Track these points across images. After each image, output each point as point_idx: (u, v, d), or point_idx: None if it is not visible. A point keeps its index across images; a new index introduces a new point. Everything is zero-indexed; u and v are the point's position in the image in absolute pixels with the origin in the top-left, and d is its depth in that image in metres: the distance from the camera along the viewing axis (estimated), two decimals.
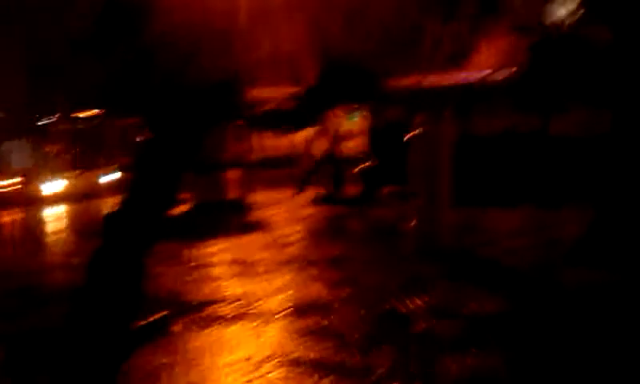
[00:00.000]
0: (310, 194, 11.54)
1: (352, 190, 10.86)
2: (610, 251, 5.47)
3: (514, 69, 8.21)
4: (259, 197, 11.36)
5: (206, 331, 4.31)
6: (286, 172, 13.16)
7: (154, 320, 4.46)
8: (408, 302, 4.71)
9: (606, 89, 5.44)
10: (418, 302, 4.71)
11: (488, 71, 9.71)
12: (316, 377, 3.43)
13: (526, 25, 6.96)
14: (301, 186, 11.20)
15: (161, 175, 4.11)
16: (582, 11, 6.89)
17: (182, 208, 10.33)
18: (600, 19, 5.93)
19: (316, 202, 10.68)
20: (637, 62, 5.01)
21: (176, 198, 4.38)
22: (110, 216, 4.17)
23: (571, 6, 7.12)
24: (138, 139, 10.44)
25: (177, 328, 4.38)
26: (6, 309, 5.30)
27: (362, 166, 11.04)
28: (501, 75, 9.05)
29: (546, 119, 10.02)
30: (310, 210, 9.96)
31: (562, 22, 7.24)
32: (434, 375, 3.39)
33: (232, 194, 10.97)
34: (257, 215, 9.80)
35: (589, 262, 5.50)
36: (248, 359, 3.76)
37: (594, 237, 5.77)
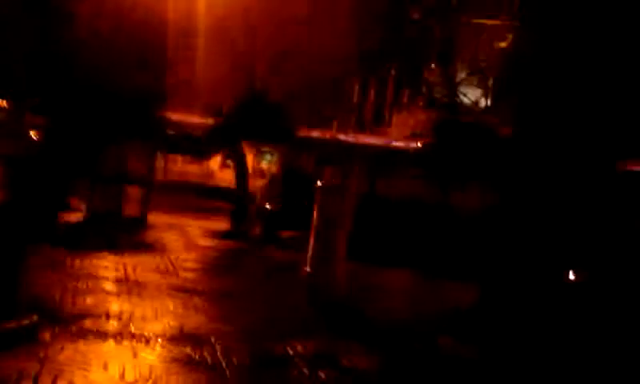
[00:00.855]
0: (213, 224, 11.46)
1: (253, 228, 10.89)
2: (485, 327, 5.79)
3: (423, 141, 8.64)
4: (158, 219, 11.13)
5: (79, 343, 4.15)
6: (189, 199, 13.01)
7: (23, 325, 4.26)
8: (288, 346, 4.76)
9: (500, 172, 5.85)
10: (298, 348, 4.76)
11: (400, 139, 10.16)
12: None
13: (440, 101, 7.39)
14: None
15: (51, 176, 4.00)
16: (486, 101, 7.43)
17: (75, 217, 9.96)
18: (502, 111, 6.41)
19: (215, 234, 10.62)
20: (530, 156, 5.42)
21: (64, 203, 4.26)
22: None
23: (479, 93, 7.65)
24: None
25: (47, 336, 4.20)
26: None
27: (266, 206, 11.14)
28: (411, 145, 9.48)
29: (446, 192, 10.55)
30: (207, 241, 9.88)
31: (472, 104, 7.75)
32: None
33: (130, 210, 10.68)
34: (153, 236, 9.60)
35: (464, 334, 5.78)
36: (120, 377, 3.66)
37: (473, 312, 6.09)
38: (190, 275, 7.04)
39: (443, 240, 9.84)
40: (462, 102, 7.34)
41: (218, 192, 13.90)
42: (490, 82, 7.33)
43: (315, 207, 6.72)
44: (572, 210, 4.76)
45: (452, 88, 6.86)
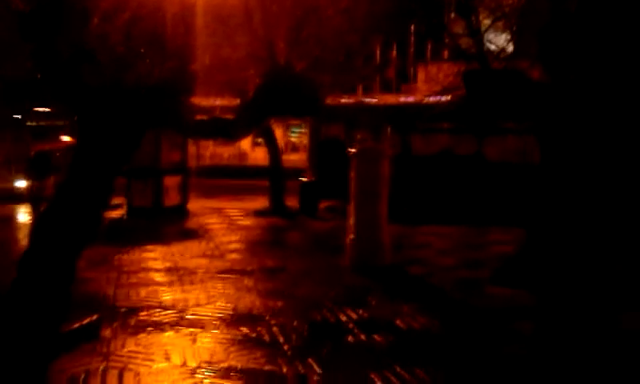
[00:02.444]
0: (252, 203, 11.55)
1: (292, 202, 10.94)
2: (534, 273, 5.74)
3: (453, 94, 8.50)
4: (197, 205, 11.27)
5: (139, 336, 4.26)
6: (225, 182, 13.12)
7: (85, 324, 4.38)
8: (341, 314, 4.81)
9: (536, 119, 5.73)
10: (351, 315, 4.81)
11: (429, 95, 10.02)
12: None
13: (466, 52, 7.24)
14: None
15: (92, 178, 4.05)
16: (513, 46, 7.25)
17: (117, 213, 10.16)
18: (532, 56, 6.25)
19: (255, 213, 10.70)
20: (566, 99, 5.29)
21: (108, 201, 4.32)
22: (40, 218, 4.09)
23: (505, 38, 7.46)
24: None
25: (108, 332, 4.32)
26: None
27: (302, 179, 11.16)
28: (441, 99, 9.34)
29: (480, 143, 10.42)
30: (248, 221, 9.97)
31: (500, 51, 7.57)
32: None
33: (169, 200, 10.83)
34: (194, 223, 9.72)
35: (514, 282, 5.76)
36: (182, 365, 3.76)
37: (520, 258, 6.05)
38: (236, 256, 7.13)
39: (483, 191, 9.76)
40: (489, 50, 7.17)
41: (252, 171, 13.99)
42: (516, 27, 7.15)
43: (351, 174, 6.71)
44: (615, 149, 4.65)
45: (477, 37, 6.70)
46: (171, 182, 10.75)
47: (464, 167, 10.24)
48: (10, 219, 8.67)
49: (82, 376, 3.55)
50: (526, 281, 5.65)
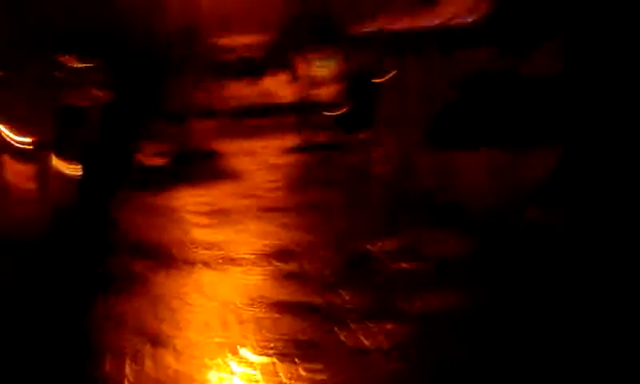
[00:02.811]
0: (283, 141, 11.56)
1: (325, 136, 10.89)
2: (574, 193, 5.64)
3: (482, 10, 8.23)
4: (231, 146, 11.32)
5: (181, 274, 4.40)
6: (254, 121, 13.10)
7: (127, 265, 4.54)
8: (380, 244, 4.83)
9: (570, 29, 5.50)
10: (390, 244, 4.83)
11: (456, 13, 9.71)
12: (285, 314, 3.57)
13: None
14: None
15: (126, 124, 4.12)
16: None
17: (154, 158, 10.28)
18: None
19: (286, 150, 10.70)
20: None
21: (142, 146, 4.39)
22: (80, 168, 4.20)
23: None
24: None
25: (150, 272, 4.45)
26: None
27: (335, 112, 11.07)
28: (468, 20, 9.06)
29: (516, 60, 10.09)
30: (283, 158, 9.99)
31: None
32: (397, 311, 3.54)
33: (203, 143, 10.92)
34: (229, 164, 9.80)
35: (553, 203, 5.66)
36: (221, 299, 3.87)
37: (559, 178, 5.93)
38: (270, 194, 7.19)
39: (518, 110, 9.52)
40: None
41: (280, 108, 13.90)
42: None
43: (381, 103, 6.64)
44: None
45: None
46: (204, 125, 10.82)
47: (499, 88, 9.97)
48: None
49: (125, 314, 3.69)
50: (562, 202, 5.56)
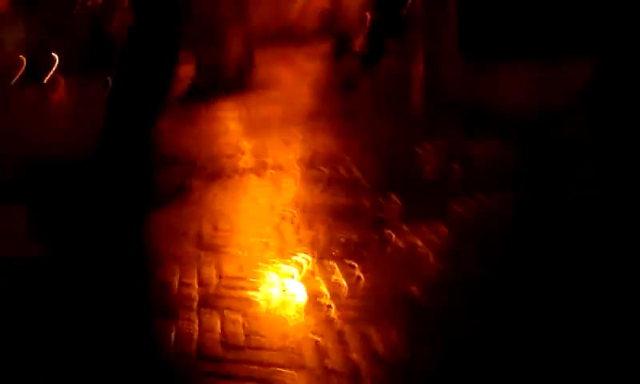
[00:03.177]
0: (318, 49, 11.39)
1: (359, 44, 10.69)
2: (612, 102, 5.52)
3: None
4: (266, 54, 11.21)
5: (225, 184, 4.49)
6: (292, 28, 12.88)
7: (172, 177, 4.63)
8: (419, 149, 4.86)
9: None
10: (427, 148, 4.85)
11: None
12: (334, 219, 3.65)
13: None
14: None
15: (158, 33, 4.06)
16: None
17: (186, 70, 10.26)
18: None
19: (322, 57, 10.57)
20: None
21: (177, 57, 4.36)
22: (113, 84, 4.20)
23: None
24: None
25: (196, 183, 4.55)
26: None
27: (368, 19, 10.81)
28: None
29: None
30: (316, 65, 9.89)
31: None
32: (445, 213, 3.59)
33: (235, 53, 10.82)
34: (263, 72, 9.74)
35: (590, 111, 5.56)
36: (269, 207, 3.96)
37: (597, 87, 5.79)
38: (308, 102, 7.18)
39: (558, 18, 9.18)
40: None
41: (315, 16, 13.61)
42: None
43: (418, 9, 6.46)
44: None
45: None
46: (236, 30, 10.66)
47: None
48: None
49: (180, 224, 3.81)
50: (602, 110, 5.46)
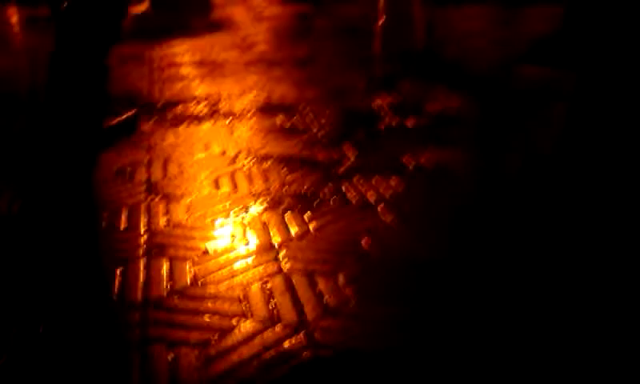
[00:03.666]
0: None
1: None
2: (572, 52, 5.58)
3: None
4: None
5: (177, 129, 4.39)
6: None
7: (123, 119, 4.49)
8: (373, 100, 4.84)
9: None
10: (384, 100, 4.84)
11: None
12: (287, 169, 3.62)
13: None
14: None
15: None
16: None
17: (140, 7, 9.93)
18: None
19: (281, 0, 10.37)
20: None
21: None
22: (63, 16, 4.01)
23: None
24: None
25: (147, 126, 4.44)
26: None
27: None
28: None
29: None
30: (274, 9, 9.69)
31: None
32: (397, 166, 3.60)
33: None
34: (219, 14, 9.50)
35: (550, 61, 5.63)
36: (222, 154, 3.91)
37: (558, 36, 5.85)
38: (264, 47, 7.05)
39: None
40: None
41: None
42: None
43: None
44: None
45: None
46: None
47: None
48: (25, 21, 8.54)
49: (129, 168, 3.73)
50: (562, 60, 5.52)
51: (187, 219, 3.06)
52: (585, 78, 3.96)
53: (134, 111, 4.63)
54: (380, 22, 6.43)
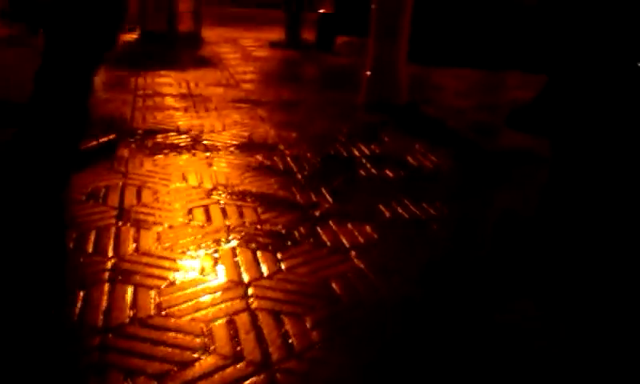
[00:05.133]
0: (264, 35, 11.31)
1: (309, 35, 10.69)
2: (552, 119, 5.69)
3: None
4: (210, 33, 11.04)
5: (156, 158, 4.36)
6: (239, 10, 12.75)
7: (102, 142, 4.45)
8: (354, 149, 4.87)
9: None
10: (364, 150, 4.87)
11: None
12: (263, 207, 3.59)
13: None
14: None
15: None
16: None
17: (130, 36, 9.99)
18: None
19: (270, 44, 10.50)
20: None
21: (122, 21, 4.19)
22: (50, 34, 4.00)
23: None
24: None
25: (125, 153, 4.41)
26: None
27: (320, 11, 10.80)
28: None
29: None
30: (263, 52, 9.80)
31: None
32: (374, 214, 3.60)
33: (183, 26, 10.62)
34: (208, 51, 9.58)
35: (530, 126, 5.73)
36: (199, 186, 3.87)
37: (538, 103, 5.98)
38: (250, 87, 7.10)
39: (505, 32, 9.44)
40: None
41: (267, 0, 13.53)
42: None
43: (372, 7, 6.48)
44: None
45: None
46: (185, 6, 10.46)
47: (487, 7, 9.82)
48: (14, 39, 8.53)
49: (102, 191, 3.67)
50: (542, 126, 5.63)
51: (157, 247, 3.00)
52: (559, 146, 4.03)
53: (113, 136, 4.59)
54: (366, 74, 6.52)
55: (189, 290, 2.64)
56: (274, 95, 6.68)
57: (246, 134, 5.10)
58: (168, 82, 6.98)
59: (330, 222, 3.44)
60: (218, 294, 2.63)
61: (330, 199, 3.79)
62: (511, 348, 2.39)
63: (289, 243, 3.15)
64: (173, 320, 2.41)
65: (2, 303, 2.42)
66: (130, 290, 2.60)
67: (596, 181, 3.46)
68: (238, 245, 3.09)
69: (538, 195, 3.57)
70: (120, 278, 2.69)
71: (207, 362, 2.18)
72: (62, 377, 2.05)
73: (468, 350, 2.36)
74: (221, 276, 2.78)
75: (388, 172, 4.39)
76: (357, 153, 4.78)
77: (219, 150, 4.62)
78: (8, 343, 2.20)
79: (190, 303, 2.54)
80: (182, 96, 6.35)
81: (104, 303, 2.48)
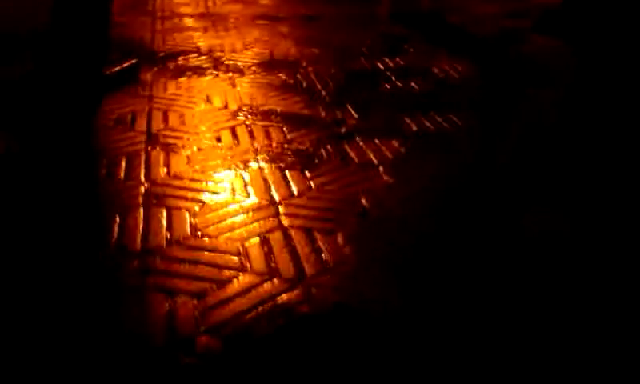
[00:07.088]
0: None
1: None
2: (580, 23, 5.52)
3: None
4: None
5: (179, 80, 4.34)
6: None
7: (124, 67, 4.44)
8: (378, 62, 4.79)
9: None
10: (388, 62, 4.79)
11: None
12: (289, 126, 3.59)
13: None
14: None
15: None
16: None
17: None
18: None
19: None
20: None
21: None
22: None
23: None
24: None
25: (148, 77, 4.39)
26: None
27: None
28: None
29: None
30: None
31: None
32: (400, 128, 3.58)
33: None
34: None
35: (558, 31, 5.57)
36: (224, 107, 3.87)
37: (566, 7, 5.78)
38: (269, 2, 6.94)
39: None
40: None
41: None
42: None
43: None
44: None
45: None
46: None
47: None
48: None
49: (129, 116, 3.69)
50: (570, 31, 5.46)
51: (187, 171, 3.04)
52: (585, 54, 3.92)
53: (135, 60, 4.57)
54: None
55: (222, 211, 2.69)
56: (294, 10, 6.53)
57: (267, 51, 5.03)
58: (185, 2, 6.85)
59: (357, 138, 3.43)
60: (251, 213, 2.68)
61: (355, 115, 3.77)
62: (539, 249, 2.42)
63: (316, 161, 3.16)
64: (208, 240, 2.47)
65: (42, 231, 2.49)
66: (164, 213, 2.66)
67: (620, 91, 3.38)
68: (267, 165, 3.11)
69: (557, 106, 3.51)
70: (154, 202, 2.75)
71: (244, 279, 2.25)
72: (106, 301, 2.14)
73: (498, 250, 2.39)
74: (252, 196, 2.82)
75: (413, 84, 4.33)
76: (381, 66, 4.71)
77: (241, 69, 4.58)
78: (52, 271, 2.28)
79: (224, 223, 2.59)
80: (201, 15, 6.25)
81: (140, 227, 2.55)
